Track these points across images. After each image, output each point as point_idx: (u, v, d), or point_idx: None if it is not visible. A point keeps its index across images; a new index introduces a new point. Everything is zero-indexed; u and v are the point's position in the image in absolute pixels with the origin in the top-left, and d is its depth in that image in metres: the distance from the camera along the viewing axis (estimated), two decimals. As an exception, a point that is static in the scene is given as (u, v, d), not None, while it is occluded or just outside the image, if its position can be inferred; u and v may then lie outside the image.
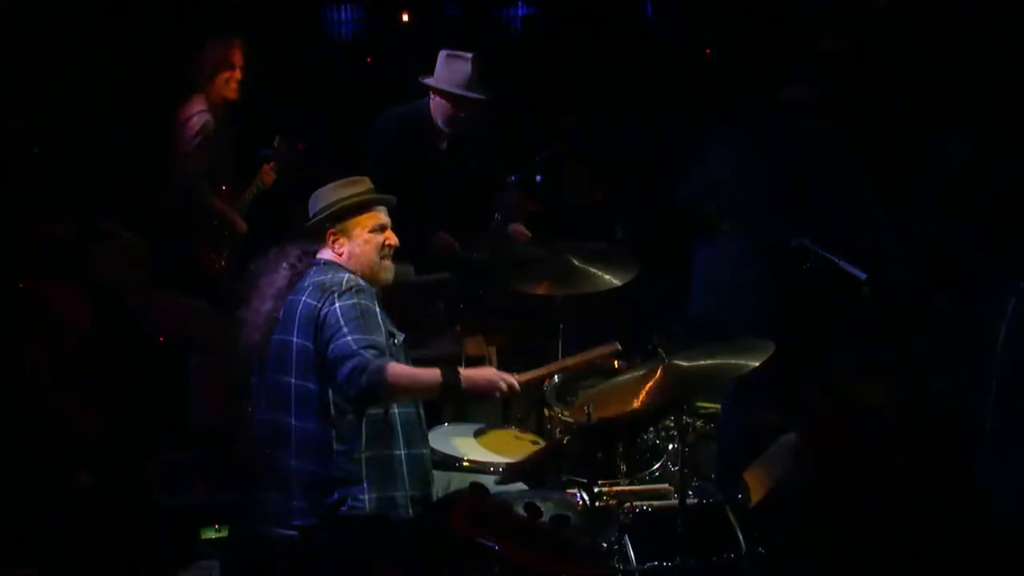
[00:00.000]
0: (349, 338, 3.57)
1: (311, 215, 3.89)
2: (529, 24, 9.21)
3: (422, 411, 3.86)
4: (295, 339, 3.71)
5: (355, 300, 3.64)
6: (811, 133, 4.79)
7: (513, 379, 3.77)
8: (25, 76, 5.80)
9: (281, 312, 3.78)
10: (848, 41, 6.05)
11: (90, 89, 6.05)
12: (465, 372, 3.73)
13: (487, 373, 3.82)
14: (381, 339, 3.63)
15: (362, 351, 3.55)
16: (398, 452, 3.75)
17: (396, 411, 3.76)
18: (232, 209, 6.02)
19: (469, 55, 5.47)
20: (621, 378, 4.04)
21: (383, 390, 3.55)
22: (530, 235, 5.55)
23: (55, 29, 6.01)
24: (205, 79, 6.00)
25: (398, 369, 3.59)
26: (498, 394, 3.76)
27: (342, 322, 3.60)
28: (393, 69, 7.65)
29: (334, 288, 3.67)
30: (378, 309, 3.71)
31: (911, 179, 6.79)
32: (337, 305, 3.63)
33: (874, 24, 7.05)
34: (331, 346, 3.59)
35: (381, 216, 3.88)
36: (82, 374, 5.07)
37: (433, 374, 3.65)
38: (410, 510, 3.73)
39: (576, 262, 4.64)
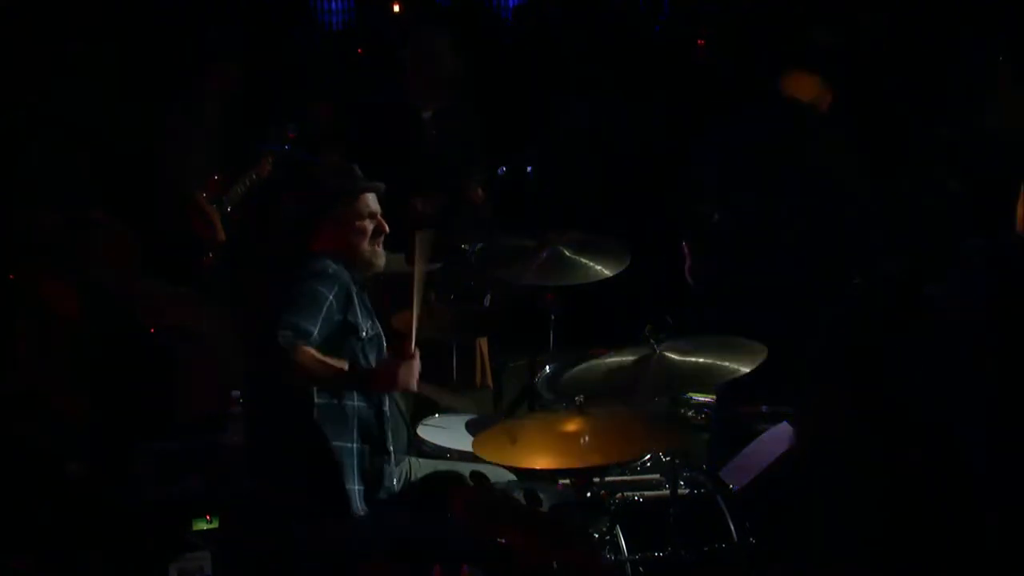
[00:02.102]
0: (277, 317, 3.51)
1: (300, 206, 3.88)
2: (521, 14, 9.21)
3: (387, 409, 3.84)
4: (253, 317, 3.72)
5: (306, 284, 3.62)
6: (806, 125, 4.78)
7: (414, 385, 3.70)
8: (14, 68, 5.79)
9: (268, 307, 3.78)
10: (842, 32, 6.05)
11: (80, 79, 6.03)
12: (376, 375, 3.68)
13: (399, 378, 3.66)
14: (310, 326, 3.54)
15: (281, 331, 3.47)
16: (350, 445, 3.72)
17: (355, 404, 3.74)
18: (221, 205, 5.99)
19: (440, 32, 5.49)
20: (608, 360, 4.02)
21: (289, 369, 3.47)
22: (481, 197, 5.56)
23: (44, 20, 5.99)
24: (205, 70, 5.98)
25: (308, 355, 3.49)
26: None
27: (280, 303, 3.56)
28: (385, 59, 7.64)
29: (294, 272, 3.65)
30: (333, 298, 3.63)
31: (902, 168, 6.81)
32: (286, 286, 3.61)
33: (869, 15, 7.06)
34: (258, 323, 3.57)
35: (371, 203, 3.87)
36: (71, 364, 5.07)
37: (340, 371, 3.59)
38: (360, 503, 3.72)
39: (567, 253, 4.63)
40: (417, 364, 3.67)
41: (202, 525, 4.31)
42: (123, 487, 4.64)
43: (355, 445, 3.73)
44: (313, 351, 3.52)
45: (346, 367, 3.61)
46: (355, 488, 3.71)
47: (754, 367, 3.71)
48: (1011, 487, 3.24)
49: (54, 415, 4.87)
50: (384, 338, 3.88)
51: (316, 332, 3.55)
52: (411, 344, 3.67)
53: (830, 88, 4.83)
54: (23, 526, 4.42)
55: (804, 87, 4.85)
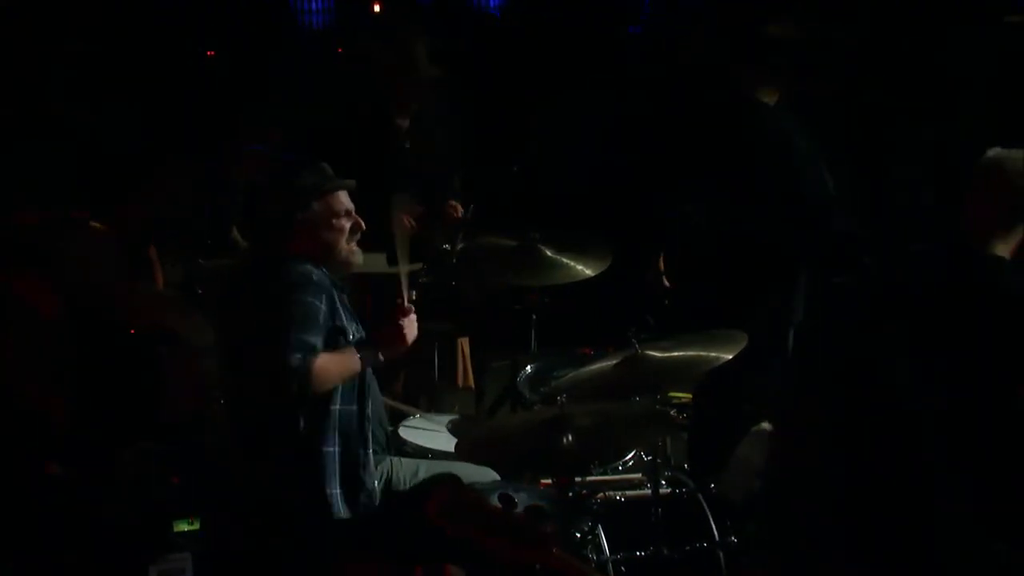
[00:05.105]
0: (281, 340, 3.54)
1: (274, 206, 3.85)
2: (506, 14, 9.21)
3: (369, 412, 3.85)
4: (247, 336, 3.69)
5: (298, 298, 3.62)
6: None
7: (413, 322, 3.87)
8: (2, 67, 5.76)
9: (247, 311, 3.76)
10: (798, 27, 6.05)
11: (67, 79, 6.00)
12: (382, 338, 3.81)
13: (396, 335, 3.84)
14: (315, 340, 3.60)
15: (292, 354, 3.52)
16: (331, 449, 3.73)
17: (338, 408, 3.75)
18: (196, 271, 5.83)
19: (415, 35, 5.48)
20: (595, 366, 4.04)
21: (308, 385, 3.54)
22: (459, 213, 5.54)
23: (34, 20, 5.97)
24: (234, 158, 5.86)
25: (320, 364, 3.57)
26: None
27: (275, 322, 3.58)
28: (364, 59, 7.63)
29: (281, 284, 3.64)
30: (324, 306, 3.66)
31: (880, 165, 6.84)
32: (278, 302, 3.60)
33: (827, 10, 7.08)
34: (263, 347, 3.58)
35: (345, 200, 3.85)
36: (52, 365, 5.03)
37: (351, 358, 3.71)
38: (340, 507, 3.74)
39: (549, 252, 4.63)
40: (414, 316, 3.86)
41: (183, 526, 4.29)
42: (103, 488, 4.61)
43: (335, 449, 3.73)
44: (322, 356, 3.59)
45: (353, 354, 3.70)
46: (336, 492, 3.71)
47: (735, 354, 3.74)
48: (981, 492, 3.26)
49: (34, 416, 4.84)
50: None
51: (319, 345, 3.60)
52: (404, 299, 3.89)
53: (791, 83, 4.81)
54: (3, 528, 4.40)
55: (763, 82, 4.82)
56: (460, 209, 5.53)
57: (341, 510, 3.70)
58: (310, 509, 3.68)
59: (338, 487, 3.72)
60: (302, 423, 3.67)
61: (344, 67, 8.21)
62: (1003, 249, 3.54)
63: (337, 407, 3.73)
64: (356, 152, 5.21)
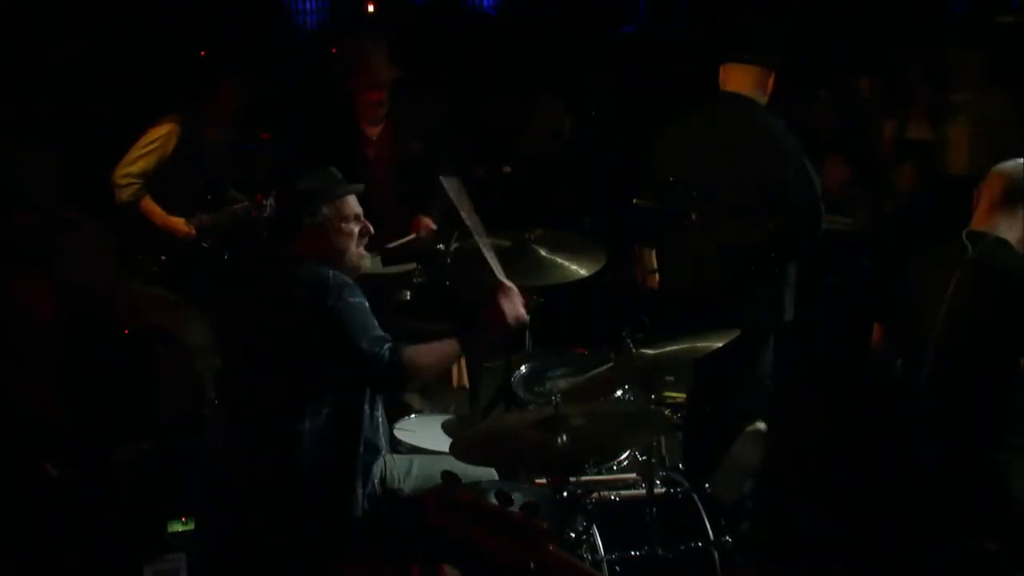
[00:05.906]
0: (361, 338, 3.56)
1: (281, 209, 3.83)
2: (502, 13, 9.24)
3: (378, 413, 3.85)
4: (279, 342, 3.67)
5: (349, 299, 3.62)
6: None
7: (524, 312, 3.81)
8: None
9: (261, 314, 3.74)
10: (783, 28, 6.08)
11: (62, 78, 6.00)
12: (487, 318, 3.76)
13: (508, 310, 3.78)
14: (380, 331, 3.63)
15: (376, 349, 3.55)
16: (360, 450, 3.74)
17: (364, 409, 3.76)
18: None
19: (374, 40, 5.47)
20: (592, 372, 4.05)
21: (409, 375, 3.60)
22: (433, 228, 5.55)
23: (31, 20, 5.97)
24: (208, 98, 5.83)
25: (412, 354, 3.60)
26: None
27: (345, 323, 3.58)
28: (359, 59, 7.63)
29: (322, 288, 3.63)
30: (368, 306, 3.68)
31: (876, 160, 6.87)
32: (332, 306, 3.59)
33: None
34: (343, 348, 3.58)
35: (353, 204, 3.84)
36: (47, 366, 5.04)
37: (449, 346, 3.71)
38: (361, 506, 3.74)
39: (543, 253, 4.64)
40: (515, 292, 3.81)
41: (177, 526, 4.29)
42: (99, 488, 4.62)
43: (362, 449, 3.74)
44: (412, 348, 3.61)
45: (447, 343, 3.71)
46: (360, 491, 3.72)
47: (728, 353, 3.76)
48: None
49: (29, 416, 4.85)
50: None
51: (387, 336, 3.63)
52: (500, 277, 3.84)
53: (772, 80, 4.82)
54: (1, 527, 4.40)
55: (745, 80, 4.82)
56: (429, 223, 5.56)
57: (360, 509, 3.71)
58: (338, 509, 3.68)
59: (360, 486, 3.72)
60: (339, 423, 3.68)
61: (337, 68, 8.21)
62: (1010, 235, 3.65)
63: (367, 408, 3.75)
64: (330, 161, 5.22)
